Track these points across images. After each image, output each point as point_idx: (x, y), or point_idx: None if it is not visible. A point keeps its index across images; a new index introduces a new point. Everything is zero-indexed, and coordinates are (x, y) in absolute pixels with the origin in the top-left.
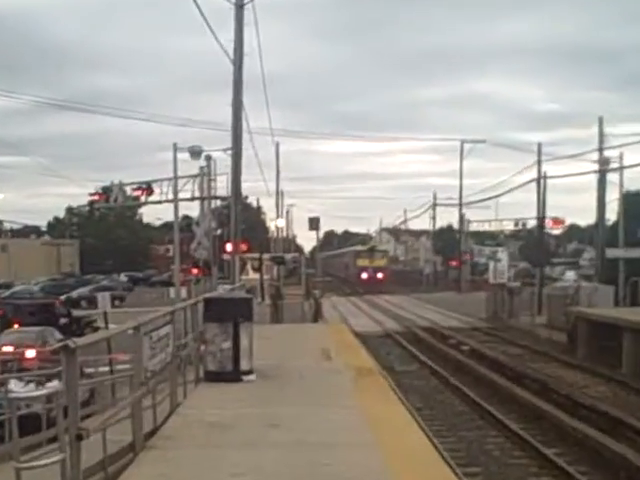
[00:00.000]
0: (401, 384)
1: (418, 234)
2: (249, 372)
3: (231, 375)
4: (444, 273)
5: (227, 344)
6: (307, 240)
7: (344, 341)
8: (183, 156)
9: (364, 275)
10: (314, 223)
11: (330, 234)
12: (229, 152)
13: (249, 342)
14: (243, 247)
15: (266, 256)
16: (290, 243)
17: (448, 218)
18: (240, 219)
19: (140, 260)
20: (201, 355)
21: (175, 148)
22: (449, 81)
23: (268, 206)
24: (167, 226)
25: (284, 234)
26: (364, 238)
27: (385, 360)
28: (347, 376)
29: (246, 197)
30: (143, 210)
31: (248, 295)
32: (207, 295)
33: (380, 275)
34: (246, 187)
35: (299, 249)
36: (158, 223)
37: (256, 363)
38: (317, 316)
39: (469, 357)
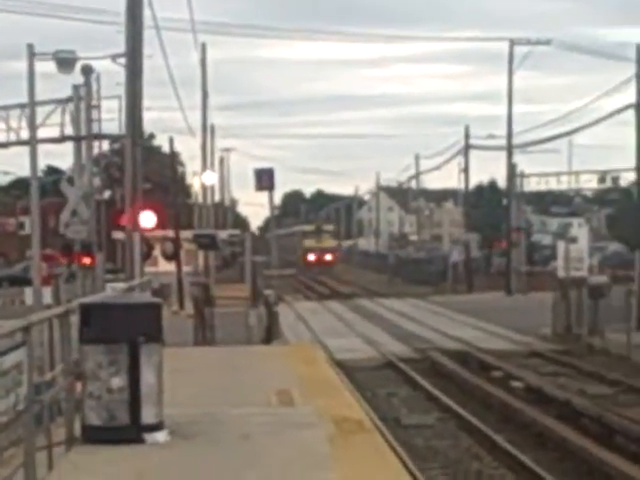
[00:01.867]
0: (411, 447)
1: (440, 197)
2: (157, 427)
3: (127, 432)
4: (483, 261)
5: (119, 381)
6: (256, 209)
7: (316, 375)
8: (46, 67)
9: (311, 257)
10: (264, 179)
11: (293, 197)
12: (122, 61)
13: (157, 377)
14: (148, 219)
15: (187, 234)
16: (227, 213)
17: (489, 171)
18: (142, 172)
19: None
20: (77, 399)
21: (31, 53)
22: None
23: (189, 152)
24: (20, 185)
25: (216, 198)
26: (350, 202)
27: (385, 406)
28: (321, 433)
29: (151, 136)
30: None
31: (155, 299)
32: (85, 300)
33: (329, 257)
34: (152, 120)
35: (242, 223)
36: (6, 180)
37: (169, 412)
38: (271, 334)
39: (525, 400)
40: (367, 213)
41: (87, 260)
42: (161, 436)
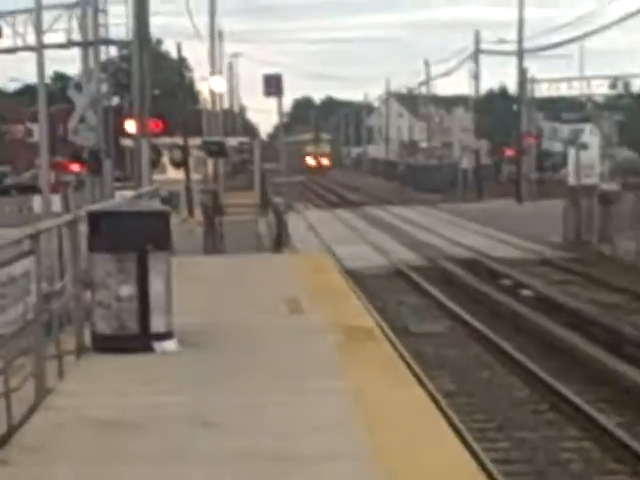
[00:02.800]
0: (420, 354)
1: (450, 103)
2: (166, 336)
3: (136, 341)
4: (494, 169)
5: (128, 289)
6: (265, 115)
7: (325, 283)
8: None
9: (311, 161)
10: (273, 84)
11: (303, 104)
12: None
13: (165, 286)
14: (156, 126)
15: (195, 141)
16: (236, 120)
17: (499, 77)
18: (150, 77)
19: None
20: (86, 308)
21: None
22: None
23: (197, 58)
24: (28, 92)
25: (225, 105)
26: (358, 108)
27: (394, 314)
28: (330, 340)
29: (159, 41)
30: None
31: (163, 207)
32: (94, 208)
33: (326, 161)
34: (159, 25)
35: (251, 130)
36: (12, 87)
37: (179, 321)
38: (281, 242)
39: (534, 309)
40: (377, 120)
41: (96, 168)
42: (170, 345)
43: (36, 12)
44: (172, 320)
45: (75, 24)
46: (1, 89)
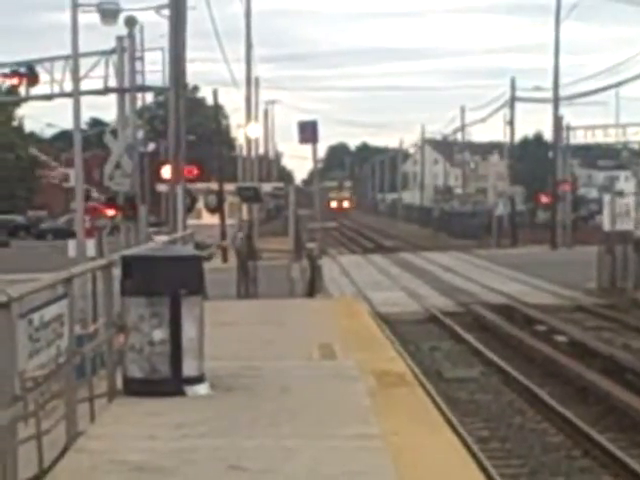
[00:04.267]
0: (453, 400)
1: (485, 150)
2: (198, 380)
3: (168, 385)
4: (528, 215)
5: (160, 333)
6: (300, 161)
7: (358, 329)
8: (89, 19)
9: (333, 204)
10: (308, 131)
11: (338, 150)
12: (165, 12)
13: (198, 331)
14: (191, 172)
15: (230, 187)
16: (271, 166)
17: (535, 123)
18: (185, 123)
19: (21, 194)
20: (118, 351)
21: (75, 4)
22: None
23: (233, 104)
24: (64, 137)
25: (260, 151)
26: (393, 154)
27: (427, 360)
28: (362, 386)
29: (195, 88)
30: (24, 110)
31: (197, 252)
32: (128, 253)
33: (346, 204)
34: (196, 71)
35: (286, 176)
36: (50, 133)
37: (210, 365)
38: (314, 287)
39: (568, 355)
40: (412, 166)
41: (131, 213)
42: (202, 389)
43: (73, 59)
44: (204, 364)
45: (112, 71)
46: (39, 135)
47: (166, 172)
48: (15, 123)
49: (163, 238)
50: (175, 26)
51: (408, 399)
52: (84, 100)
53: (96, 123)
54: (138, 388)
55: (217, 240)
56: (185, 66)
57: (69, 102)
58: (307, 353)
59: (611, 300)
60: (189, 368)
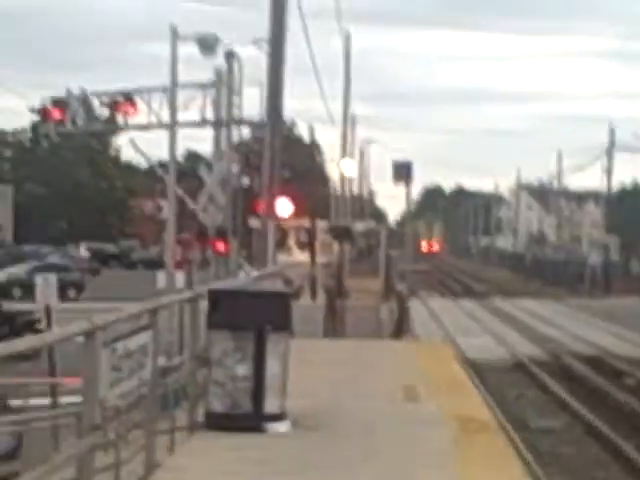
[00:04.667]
0: (538, 450)
1: (581, 197)
2: (279, 417)
3: (249, 420)
4: (623, 266)
5: (244, 369)
6: (394, 202)
7: (444, 373)
8: (187, 51)
9: (424, 246)
10: (402, 171)
11: (433, 192)
12: (264, 46)
13: (282, 367)
14: (285, 207)
15: (322, 225)
16: (365, 205)
17: (634, 171)
18: (279, 159)
19: (114, 224)
20: (201, 385)
21: (174, 35)
22: None
23: (329, 141)
24: (161, 169)
25: (355, 189)
26: (487, 199)
27: (512, 408)
28: (445, 432)
29: (293, 124)
30: (122, 140)
31: (284, 289)
32: (214, 287)
33: (436, 247)
34: (293, 108)
35: (379, 216)
36: (146, 163)
37: (292, 403)
38: (401, 329)
39: None
40: (506, 211)
41: (221, 246)
42: (283, 426)
43: (171, 90)
44: (286, 401)
45: (209, 103)
46: (135, 165)
47: (260, 207)
48: (113, 152)
49: (252, 273)
50: (274, 60)
51: (491, 447)
52: (182, 131)
53: (192, 155)
54: (219, 422)
55: (307, 277)
56: (282, 102)
57: (166, 133)
58: (391, 395)
59: None
60: (271, 405)
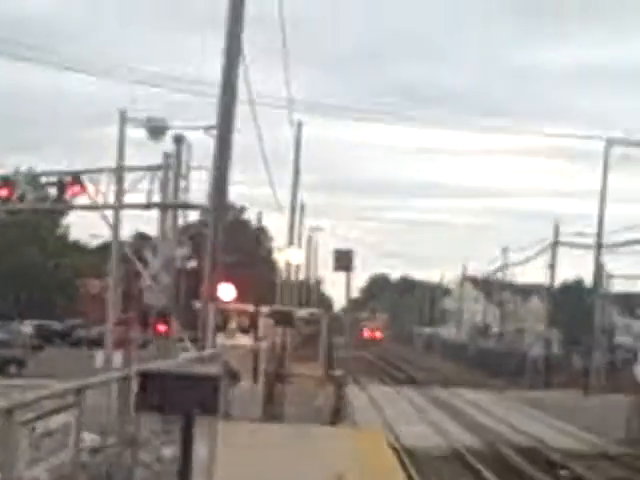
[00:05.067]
0: None
1: (526, 291)
2: None
3: None
4: (564, 359)
5: (171, 451)
6: (342, 289)
7: (376, 461)
8: (136, 134)
9: (366, 333)
10: (343, 259)
11: (379, 281)
12: (213, 132)
13: (209, 451)
14: (228, 291)
15: (265, 310)
16: (311, 292)
17: (577, 268)
18: (225, 243)
19: (60, 302)
20: (128, 466)
21: (123, 119)
22: (593, 37)
23: (278, 228)
24: (108, 249)
25: (302, 276)
26: (433, 290)
27: None
28: None
29: (242, 209)
30: (70, 219)
31: (213, 372)
32: (143, 368)
33: (378, 334)
34: (242, 194)
35: (326, 303)
36: (94, 244)
37: None
38: (338, 415)
39: None
40: (451, 302)
41: (162, 327)
42: None
43: (118, 171)
44: None
45: (157, 186)
46: (83, 245)
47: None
48: (60, 232)
49: (189, 355)
50: (221, 145)
51: None
52: (133, 213)
53: (141, 237)
54: None
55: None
56: (227, 187)
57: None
58: None
59: (639, 450)
60: None
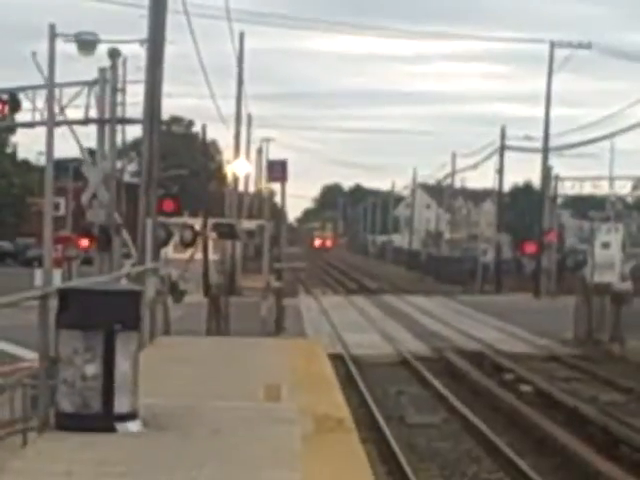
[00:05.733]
0: (413, 446)
1: (479, 197)
2: (130, 417)
3: (99, 420)
4: (515, 264)
5: (93, 368)
6: (296, 200)
7: (312, 371)
8: (70, 49)
9: (317, 242)
10: (277, 170)
11: (332, 190)
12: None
13: (132, 366)
14: (168, 205)
15: (211, 223)
16: (263, 204)
17: (526, 172)
18: (158, 154)
19: (10, 221)
20: (51, 385)
21: (52, 33)
22: None
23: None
24: (59, 166)
25: (251, 188)
26: (385, 198)
27: (392, 404)
28: (297, 430)
29: (190, 123)
30: (17, 138)
31: (134, 287)
32: (63, 285)
33: (329, 242)
34: (190, 106)
35: (278, 214)
36: (42, 161)
37: (150, 402)
38: (280, 326)
39: (533, 405)
40: (404, 209)
41: (84, 243)
42: (133, 426)
43: (49, 88)
44: (138, 401)
45: (94, 101)
46: (32, 163)
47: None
48: (9, 150)
49: (126, 270)
50: (153, 55)
51: (341, 446)
52: (81, 130)
53: (91, 153)
54: (69, 423)
55: (198, 275)
56: (161, 97)
57: (66, 131)
58: (252, 394)
59: (585, 351)
60: (121, 404)
